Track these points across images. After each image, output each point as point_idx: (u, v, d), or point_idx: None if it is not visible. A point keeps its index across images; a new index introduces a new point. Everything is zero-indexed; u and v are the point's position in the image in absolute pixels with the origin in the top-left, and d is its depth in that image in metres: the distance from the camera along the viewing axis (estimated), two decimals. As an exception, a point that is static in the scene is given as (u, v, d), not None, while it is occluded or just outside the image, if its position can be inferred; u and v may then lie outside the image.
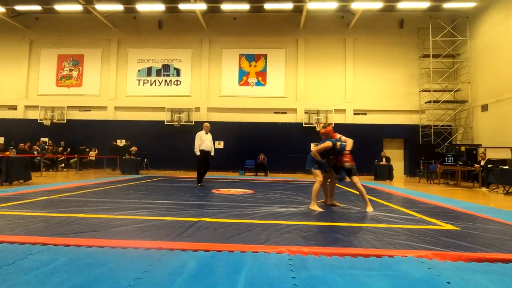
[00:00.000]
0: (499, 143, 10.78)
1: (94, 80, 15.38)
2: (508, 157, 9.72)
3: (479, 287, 1.75)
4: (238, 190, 6.60)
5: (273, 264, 2.04)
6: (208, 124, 7.28)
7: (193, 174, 12.34)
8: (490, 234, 3.02)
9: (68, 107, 15.10)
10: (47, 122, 14.83)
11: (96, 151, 13.86)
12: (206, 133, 7.14)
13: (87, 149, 13.78)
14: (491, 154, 10.14)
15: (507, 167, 7.58)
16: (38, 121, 14.91)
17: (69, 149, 13.86)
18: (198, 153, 6.96)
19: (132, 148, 12.42)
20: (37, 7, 14.00)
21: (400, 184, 9.64)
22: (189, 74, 15.15)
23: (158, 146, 14.47)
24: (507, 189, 7.56)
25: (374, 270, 1.98)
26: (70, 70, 15.51)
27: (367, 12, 13.91)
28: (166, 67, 15.27)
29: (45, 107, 14.99)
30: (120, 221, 3.21)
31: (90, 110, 15.27)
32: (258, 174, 12.80)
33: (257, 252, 2.28)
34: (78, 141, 14.32)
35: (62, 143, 14.18)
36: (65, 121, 14.93)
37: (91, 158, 13.44)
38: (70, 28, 15.50)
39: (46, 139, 14.53)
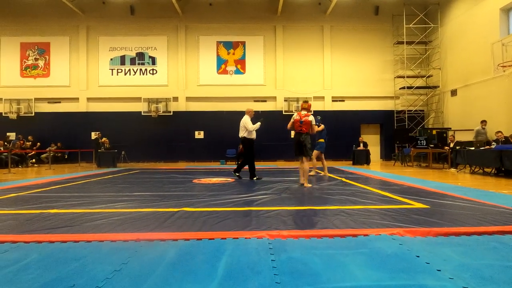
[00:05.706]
0: (466, 126, 11.39)
1: (63, 70, 14.50)
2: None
3: (444, 258, 1.88)
4: (219, 179, 6.59)
5: (253, 249, 2.07)
6: (252, 109, 6.78)
7: (174, 166, 12.18)
8: (456, 210, 3.23)
9: (35, 99, 14.19)
10: (13, 116, 13.90)
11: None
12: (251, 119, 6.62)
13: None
14: (459, 137, 10.73)
15: (473, 148, 8.07)
16: (3, 114, 13.94)
17: (38, 143, 13.11)
18: (257, 127, 6.45)
19: (103, 140, 11.87)
20: (-7, -10, 12.86)
21: (376, 168, 10.02)
22: (165, 63, 14.64)
23: (136, 138, 14.02)
24: (473, 168, 8.08)
25: (350, 249, 2.06)
26: (36, 59, 14.50)
27: (344, -2, 13.94)
28: (140, 56, 14.65)
29: (10, 100, 14.00)
30: (96, 215, 3.12)
31: (60, 102, 14.45)
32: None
33: (237, 238, 2.30)
34: (48, 135, 13.60)
35: (30, 137, 13.37)
36: (33, 114, 14.06)
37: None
38: (33, 14, 14.36)
39: (13, 134, 13.66)
